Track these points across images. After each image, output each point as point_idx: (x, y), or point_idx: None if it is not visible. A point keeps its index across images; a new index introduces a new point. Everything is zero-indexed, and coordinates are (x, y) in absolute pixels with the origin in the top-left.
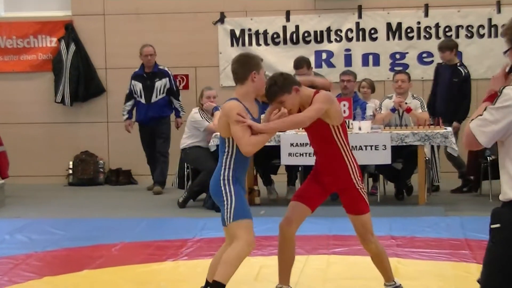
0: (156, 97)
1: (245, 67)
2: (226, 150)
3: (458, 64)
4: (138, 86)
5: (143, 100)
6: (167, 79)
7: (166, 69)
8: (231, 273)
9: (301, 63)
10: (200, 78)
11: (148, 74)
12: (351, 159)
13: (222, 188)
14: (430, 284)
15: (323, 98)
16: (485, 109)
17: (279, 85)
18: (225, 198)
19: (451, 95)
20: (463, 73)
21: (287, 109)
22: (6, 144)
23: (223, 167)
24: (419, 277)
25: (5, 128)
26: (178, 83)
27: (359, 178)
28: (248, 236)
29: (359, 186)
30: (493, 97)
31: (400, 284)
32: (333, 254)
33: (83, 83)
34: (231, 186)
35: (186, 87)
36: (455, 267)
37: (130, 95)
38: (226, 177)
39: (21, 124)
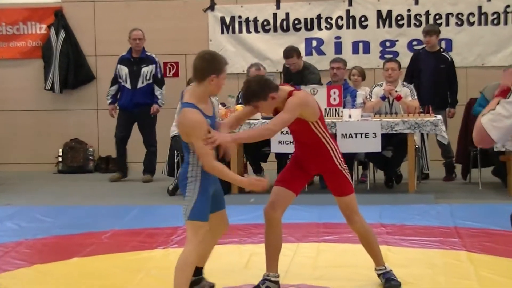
0: (142, 83)
1: (207, 67)
2: (191, 150)
3: (441, 50)
4: (124, 70)
5: (128, 85)
6: (154, 66)
7: (154, 56)
8: (184, 279)
9: (290, 53)
10: (190, 66)
11: (135, 59)
12: (331, 144)
13: (188, 184)
14: (419, 271)
15: (294, 105)
16: (497, 103)
17: (256, 92)
18: (187, 194)
19: (439, 81)
20: (449, 59)
21: (261, 113)
22: None
23: (190, 164)
24: (409, 265)
25: None
26: (168, 71)
27: (341, 159)
28: (197, 239)
29: (342, 167)
30: (506, 92)
31: (391, 270)
32: (323, 242)
33: (72, 70)
34: (198, 183)
35: (176, 74)
36: (444, 255)
37: (115, 80)
38: (194, 174)
39: (11, 111)
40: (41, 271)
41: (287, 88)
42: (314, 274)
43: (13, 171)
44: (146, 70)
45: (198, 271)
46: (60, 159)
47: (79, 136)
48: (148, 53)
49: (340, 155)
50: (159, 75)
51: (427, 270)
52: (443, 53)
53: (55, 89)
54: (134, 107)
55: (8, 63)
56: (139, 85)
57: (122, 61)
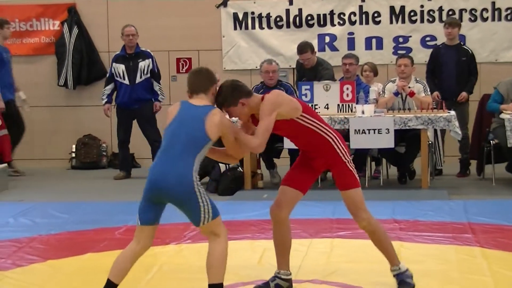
0: (141, 77)
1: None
2: (201, 151)
3: (461, 43)
4: (121, 67)
5: (126, 82)
6: (150, 60)
7: (149, 51)
8: (224, 270)
9: (305, 48)
10: (203, 62)
11: (130, 55)
12: (331, 134)
13: (197, 191)
14: (432, 267)
15: (267, 108)
16: None
17: (225, 98)
18: (200, 201)
19: (461, 73)
20: (470, 51)
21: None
22: None
23: (194, 169)
24: (422, 261)
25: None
26: (181, 67)
27: (345, 151)
28: (225, 230)
29: (345, 159)
30: None
31: (407, 270)
32: (337, 238)
33: (86, 67)
34: (201, 187)
35: (189, 70)
36: (458, 250)
37: (110, 79)
38: (196, 179)
39: None
40: (55, 267)
41: (259, 95)
42: (328, 269)
43: (26, 167)
44: (143, 64)
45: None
46: (73, 155)
47: (93, 132)
48: (143, 48)
49: (343, 146)
50: (156, 70)
51: (441, 266)
52: (464, 46)
53: (68, 85)
54: (134, 103)
55: (21, 59)
56: (138, 80)
57: (117, 59)
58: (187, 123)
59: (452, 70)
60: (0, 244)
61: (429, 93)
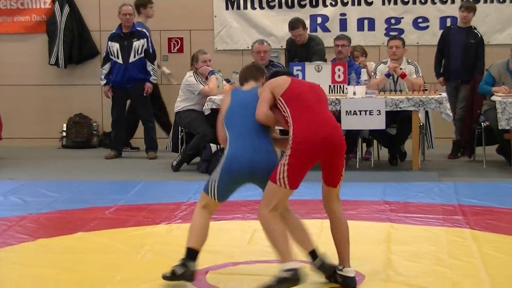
0: (134, 57)
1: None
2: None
3: (472, 27)
4: (115, 46)
5: (120, 61)
6: (145, 40)
7: (145, 30)
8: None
9: (296, 24)
10: (195, 42)
11: (125, 34)
12: (291, 123)
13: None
14: (423, 248)
15: (264, 88)
16: None
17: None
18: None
19: (468, 56)
20: (479, 35)
21: None
22: None
23: (272, 142)
24: (412, 242)
25: None
26: (172, 46)
27: (296, 143)
28: None
29: (287, 153)
30: None
31: (296, 269)
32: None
33: (77, 46)
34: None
35: (180, 50)
36: (448, 232)
37: (107, 58)
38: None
39: (15, 86)
40: (45, 246)
41: None
42: (318, 250)
43: (17, 146)
44: (138, 44)
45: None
46: (64, 134)
47: (84, 111)
48: (139, 28)
49: (296, 137)
50: (150, 50)
51: (431, 247)
52: (474, 30)
53: (59, 64)
54: (127, 83)
55: (12, 37)
56: (131, 59)
57: (113, 37)
58: (248, 106)
59: (459, 51)
60: None
61: (420, 75)
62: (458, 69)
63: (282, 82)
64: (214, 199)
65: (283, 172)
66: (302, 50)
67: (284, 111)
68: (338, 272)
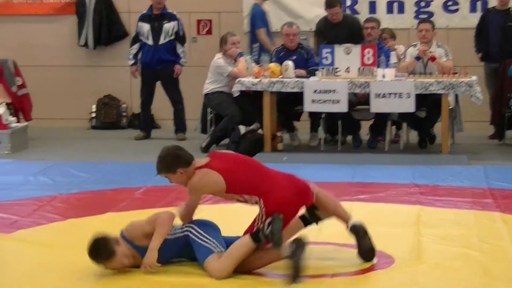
0: (164, 39)
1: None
2: None
3: (511, 9)
4: (146, 27)
5: (150, 42)
6: (176, 22)
7: (175, 13)
8: None
9: (334, 3)
10: (223, 24)
11: (156, 15)
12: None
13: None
14: (452, 231)
15: (193, 189)
16: None
17: (165, 165)
18: None
19: (506, 38)
20: None
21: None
22: (29, 87)
23: None
24: (442, 225)
25: (28, 71)
26: (201, 28)
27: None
28: None
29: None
30: None
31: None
32: (356, 201)
33: (106, 27)
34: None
35: (209, 32)
36: (477, 215)
37: (136, 38)
38: None
39: (45, 67)
40: (75, 225)
41: (198, 162)
42: (346, 232)
43: (47, 127)
44: (168, 26)
45: None
46: (93, 115)
47: (112, 92)
48: (169, 10)
49: (262, 214)
50: (181, 33)
51: (460, 231)
52: None
53: (88, 45)
54: (157, 64)
55: (41, 19)
56: (161, 41)
57: (143, 18)
58: None
59: (497, 34)
60: (21, 202)
61: (450, 57)
62: (496, 51)
63: (214, 186)
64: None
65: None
66: (336, 29)
67: (239, 196)
68: (348, 230)
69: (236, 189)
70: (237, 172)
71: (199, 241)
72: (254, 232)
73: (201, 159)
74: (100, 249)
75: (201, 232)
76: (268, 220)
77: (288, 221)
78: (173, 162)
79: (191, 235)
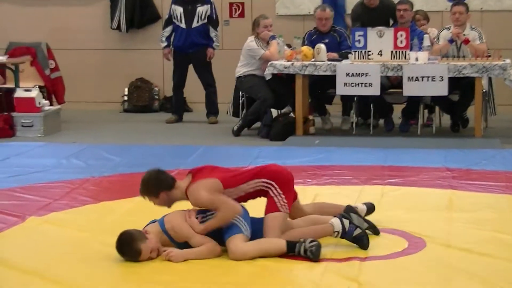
0: (197, 22)
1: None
2: None
3: None
4: (179, 10)
5: (183, 25)
6: (209, 6)
7: None
8: None
9: None
10: (256, 7)
11: None
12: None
13: None
14: (485, 216)
15: (206, 200)
16: None
17: (146, 189)
18: None
19: None
20: None
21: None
22: (62, 70)
23: None
24: (474, 209)
25: (61, 54)
26: (233, 11)
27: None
28: None
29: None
30: None
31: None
32: (388, 185)
33: (138, 10)
34: None
35: (241, 15)
36: (510, 199)
37: (169, 21)
38: None
39: (77, 50)
40: (108, 208)
41: (182, 183)
42: (378, 216)
43: (79, 110)
44: (201, 9)
45: None
46: (125, 98)
47: (145, 75)
48: None
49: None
50: (214, 16)
51: (493, 215)
52: None
53: (121, 28)
54: (189, 48)
55: (75, 2)
56: (194, 24)
57: (177, 1)
58: None
59: None
60: (53, 185)
61: (484, 40)
62: None
63: (211, 183)
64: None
65: (282, 200)
66: (373, 13)
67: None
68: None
69: (231, 183)
70: (221, 172)
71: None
72: (291, 242)
73: (183, 180)
74: (126, 250)
75: None
76: (310, 240)
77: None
78: (155, 186)
79: None
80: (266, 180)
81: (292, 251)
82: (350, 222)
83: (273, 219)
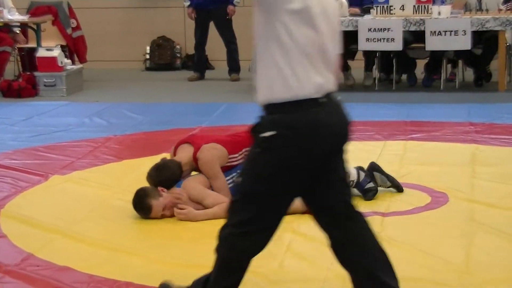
0: None
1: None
2: None
3: None
4: None
5: None
6: None
7: None
8: None
9: None
10: None
11: None
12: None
13: None
14: (508, 170)
15: (207, 160)
16: None
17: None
18: None
19: None
20: None
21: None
22: (84, 29)
23: None
24: (497, 163)
25: (83, 13)
26: None
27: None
28: None
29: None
30: None
31: None
32: (411, 140)
33: None
34: None
35: None
36: None
37: None
38: None
39: (99, 9)
40: (130, 166)
41: (188, 153)
42: (401, 171)
43: (101, 68)
44: None
45: None
46: (147, 56)
47: (166, 33)
48: None
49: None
50: None
51: None
52: None
53: None
54: (210, 4)
55: None
56: None
57: None
58: None
59: None
60: (76, 144)
61: None
62: None
63: (218, 151)
64: None
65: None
66: None
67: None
68: None
69: (234, 149)
70: (222, 137)
71: None
72: None
73: (180, 154)
74: (137, 205)
75: None
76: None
77: None
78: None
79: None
80: None
81: None
82: (366, 175)
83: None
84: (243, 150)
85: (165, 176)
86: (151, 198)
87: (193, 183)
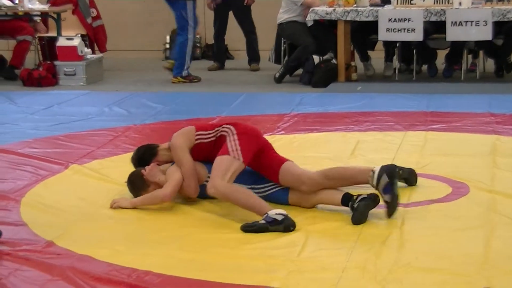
0: None
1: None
2: None
3: None
4: None
5: None
6: None
7: None
8: None
9: None
10: None
11: None
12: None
13: None
14: None
15: (175, 141)
16: None
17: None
18: None
19: None
20: None
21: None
22: (104, 18)
23: None
24: None
25: (103, 2)
26: None
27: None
28: None
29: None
30: None
31: (279, 213)
32: (431, 131)
33: None
34: None
35: None
36: None
37: None
38: None
39: None
40: None
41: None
42: (421, 162)
43: (121, 58)
44: None
45: None
46: (167, 46)
47: None
48: None
49: (235, 139)
50: None
51: None
52: None
53: None
54: None
55: None
56: None
57: None
58: None
59: None
60: (96, 133)
61: None
62: None
63: (184, 136)
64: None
65: (235, 145)
66: None
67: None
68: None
69: (204, 127)
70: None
71: None
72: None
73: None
74: (133, 180)
75: None
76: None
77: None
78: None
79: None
80: (226, 126)
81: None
82: (389, 183)
83: (219, 161)
84: (215, 130)
85: (138, 156)
86: (139, 170)
87: (173, 167)
